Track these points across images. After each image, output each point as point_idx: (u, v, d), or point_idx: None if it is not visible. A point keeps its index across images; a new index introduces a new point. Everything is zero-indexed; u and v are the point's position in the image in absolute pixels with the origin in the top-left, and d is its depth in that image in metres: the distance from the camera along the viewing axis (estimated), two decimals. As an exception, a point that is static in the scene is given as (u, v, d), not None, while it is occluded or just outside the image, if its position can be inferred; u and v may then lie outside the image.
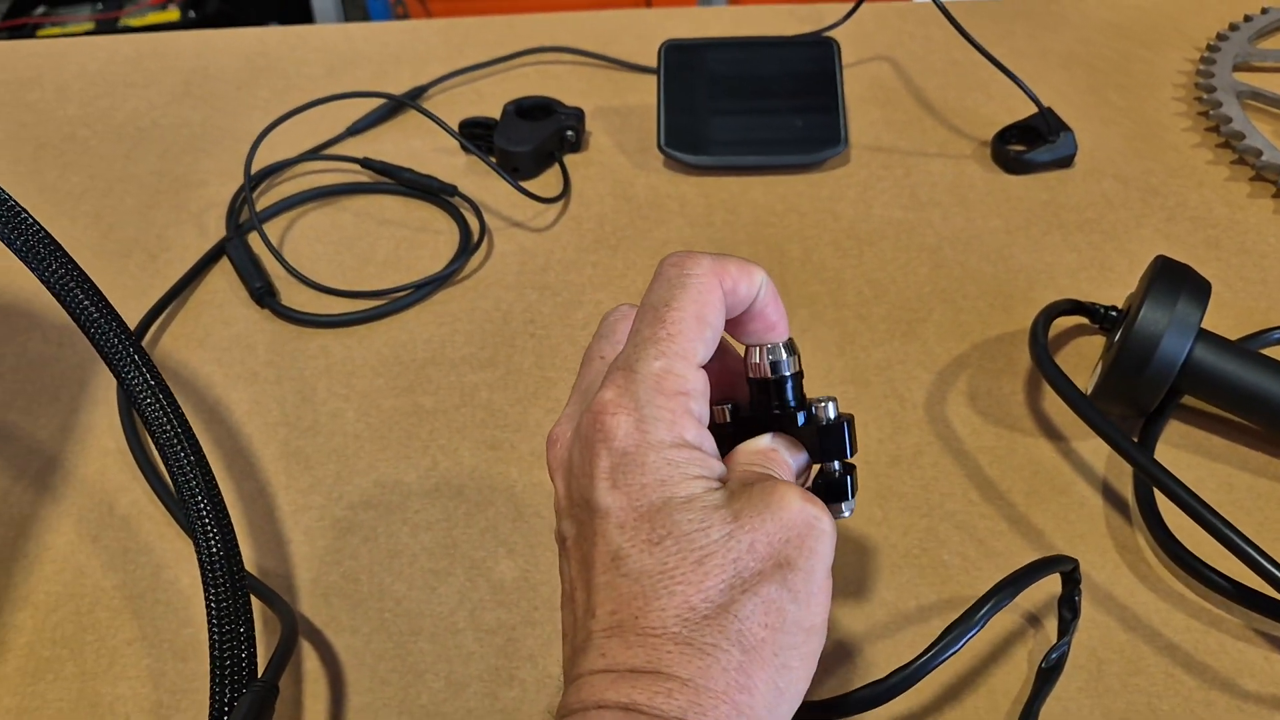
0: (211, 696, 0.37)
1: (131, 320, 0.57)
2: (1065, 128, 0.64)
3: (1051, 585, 0.41)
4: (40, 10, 2.40)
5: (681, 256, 0.31)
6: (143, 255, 0.62)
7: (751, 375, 0.33)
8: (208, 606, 0.38)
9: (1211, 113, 0.66)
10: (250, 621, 0.39)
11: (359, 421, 0.51)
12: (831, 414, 0.33)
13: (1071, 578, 0.40)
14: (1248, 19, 0.74)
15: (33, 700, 0.41)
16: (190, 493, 0.39)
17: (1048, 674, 0.40)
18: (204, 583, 0.39)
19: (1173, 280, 0.47)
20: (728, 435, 0.33)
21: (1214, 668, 0.40)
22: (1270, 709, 0.39)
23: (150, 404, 0.40)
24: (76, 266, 0.39)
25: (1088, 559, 0.44)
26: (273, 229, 0.63)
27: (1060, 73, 0.72)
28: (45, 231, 0.39)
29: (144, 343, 0.56)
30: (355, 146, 0.68)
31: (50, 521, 0.48)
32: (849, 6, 0.75)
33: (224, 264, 0.60)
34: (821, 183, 0.64)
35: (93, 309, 0.40)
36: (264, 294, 0.57)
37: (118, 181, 0.67)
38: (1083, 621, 0.42)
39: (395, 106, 0.70)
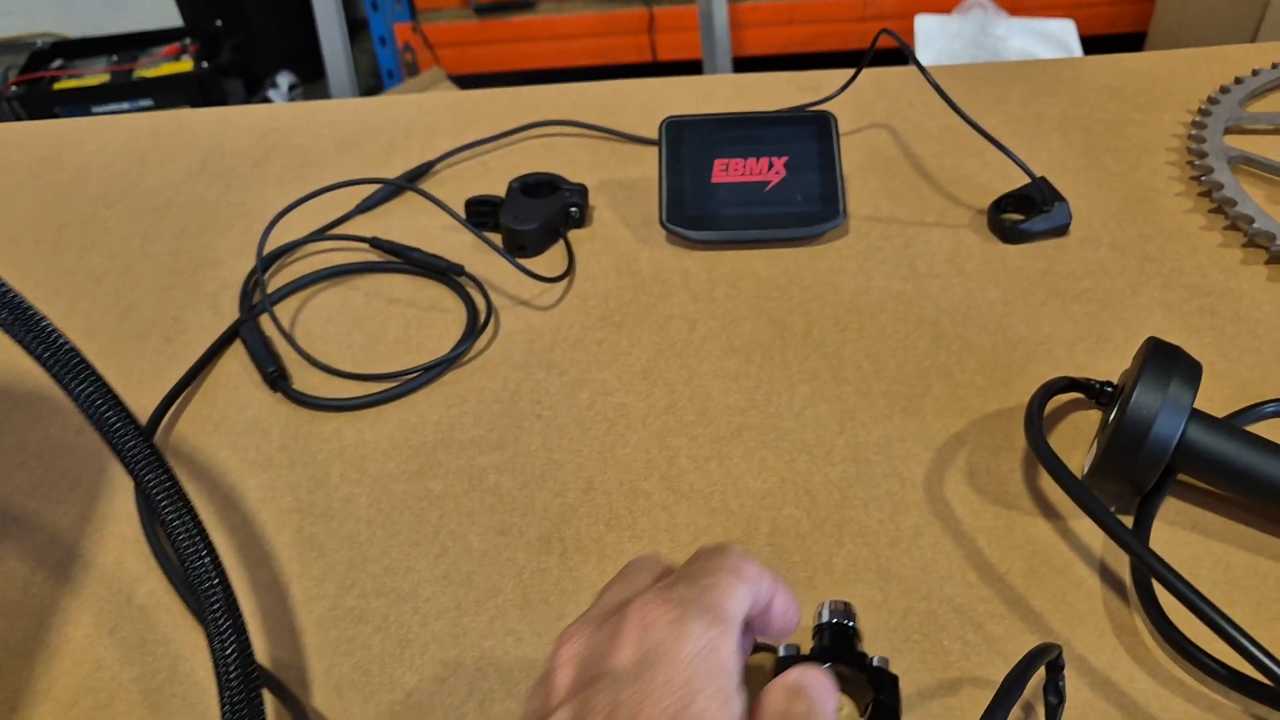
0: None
1: (148, 405, 0.58)
2: (1059, 197, 0.65)
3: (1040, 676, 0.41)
4: (57, 64, 2.45)
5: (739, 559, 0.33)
6: (159, 338, 0.63)
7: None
8: (221, 706, 0.39)
9: (1204, 178, 0.67)
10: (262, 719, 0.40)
11: (371, 507, 0.53)
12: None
13: (1055, 664, 0.41)
14: (1238, 81, 0.75)
15: (55, 797, 0.42)
16: (206, 594, 0.41)
17: (1046, 762, 0.41)
18: (218, 682, 0.40)
19: (1164, 363, 0.47)
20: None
21: (1212, 753, 0.41)
22: (1268, 796, 0.40)
23: (169, 510, 0.41)
24: (98, 379, 0.41)
25: (1085, 641, 0.45)
26: (285, 309, 0.64)
27: (1055, 136, 0.73)
28: (72, 348, 0.40)
29: (159, 428, 0.57)
30: (364, 224, 0.70)
31: (70, 613, 0.49)
32: (847, 75, 0.76)
33: (238, 347, 0.62)
34: (822, 255, 0.65)
35: (113, 417, 0.41)
36: (277, 378, 0.59)
37: (136, 261, 0.69)
38: (1080, 705, 0.42)
39: (409, 180, 0.72)
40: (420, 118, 0.79)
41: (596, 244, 0.67)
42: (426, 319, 0.63)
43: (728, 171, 0.66)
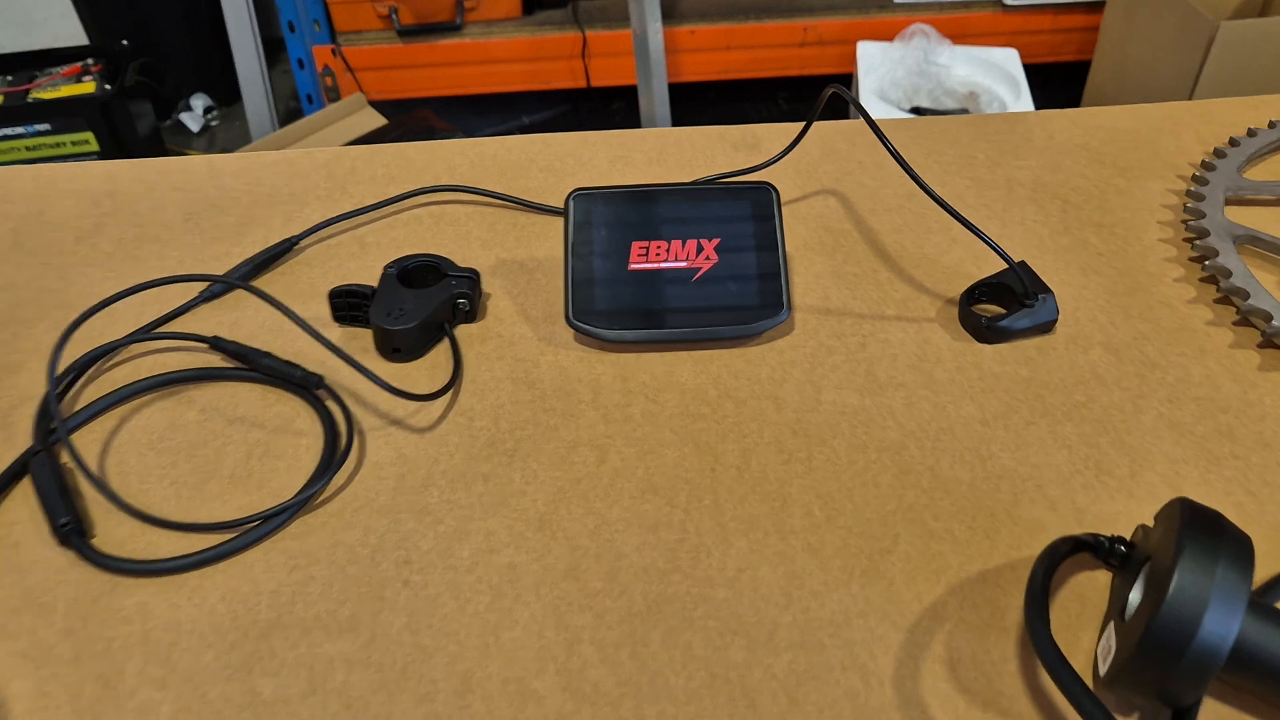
0: None
1: (-102, 574, 0.45)
2: (1044, 288, 0.54)
3: None
4: (-59, 85, 2.27)
5: None
6: (-69, 471, 0.50)
7: None
8: None
9: (1207, 262, 0.57)
10: None
11: (178, 708, 0.40)
12: None
13: None
14: (1234, 143, 0.65)
15: None
16: None
17: None
18: None
19: (1207, 539, 0.37)
20: None
21: None
22: None
23: None
24: None
25: None
26: (96, 432, 0.51)
27: (1030, 207, 0.63)
28: None
29: (-90, 606, 0.44)
30: (207, 318, 0.57)
31: None
32: (788, 130, 0.65)
33: (27, 485, 0.49)
34: (761, 359, 0.54)
35: None
36: (70, 532, 0.46)
37: (-84, 367, 0.55)
38: None
39: (264, 262, 0.59)
40: (288, 180, 0.66)
41: (489, 345, 0.55)
42: (274, 445, 0.51)
43: (647, 256, 0.55)
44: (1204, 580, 0.36)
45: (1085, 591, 0.43)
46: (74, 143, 2.28)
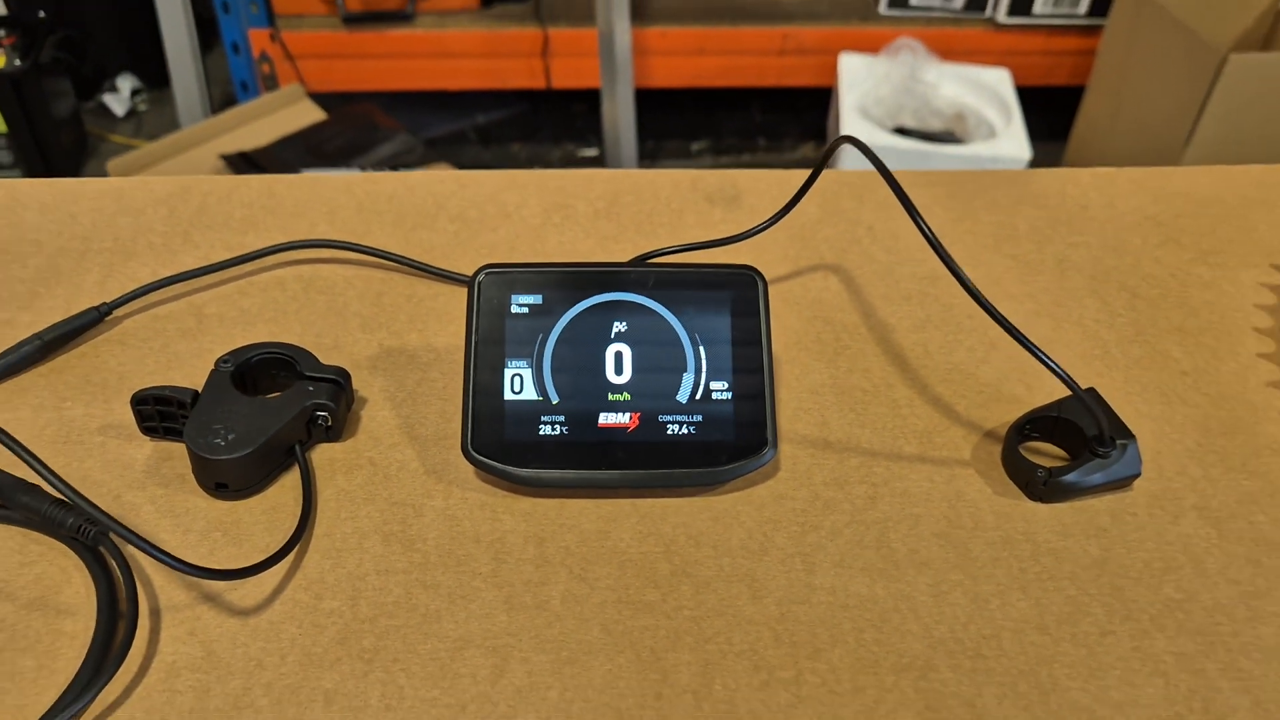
0: None
1: None
2: (1125, 432, 0.40)
3: None
4: None
5: None
6: None
7: None
8: None
9: (1332, 396, 0.43)
10: None
11: None
12: None
13: None
14: (1348, 227, 0.51)
15: None
16: None
17: None
18: None
19: None
20: None
21: None
22: None
23: None
24: None
25: None
26: None
27: (1091, 302, 0.48)
28: None
29: None
30: (-34, 419, 0.41)
31: None
32: (778, 178, 0.50)
33: None
34: (734, 517, 0.39)
35: None
36: None
37: None
38: None
39: (59, 338, 0.43)
40: (115, 217, 0.50)
41: (356, 478, 0.39)
42: (25, 629, 0.35)
43: (577, 363, 0.39)
44: None
45: None
46: (-23, 123, 2.09)
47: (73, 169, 2.09)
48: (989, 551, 0.38)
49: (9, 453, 0.36)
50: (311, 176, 0.52)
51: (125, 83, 2.41)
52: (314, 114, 1.96)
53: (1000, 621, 0.36)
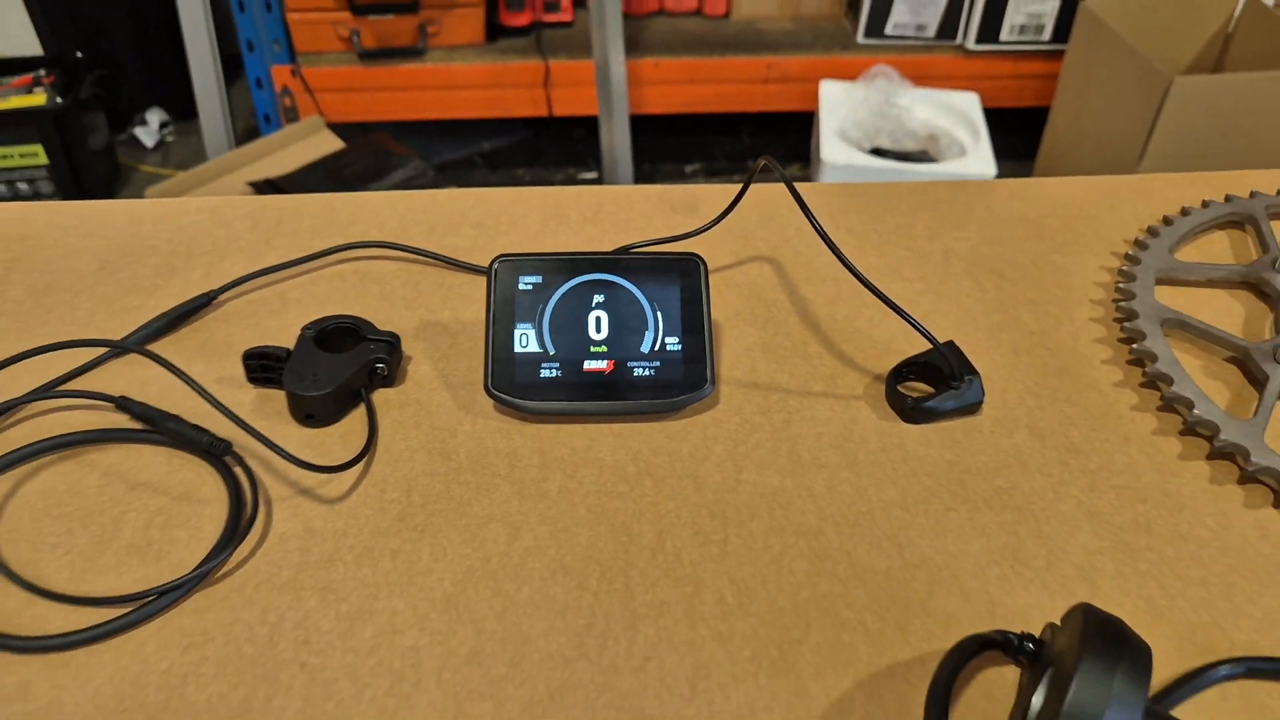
0: None
1: None
2: (971, 370, 0.54)
3: None
4: (-115, 93, 2.22)
5: None
6: None
7: None
8: None
9: (1135, 346, 0.57)
10: None
11: (46, 816, 0.38)
12: None
13: None
14: (1167, 222, 0.65)
15: None
16: None
17: None
18: None
19: (1107, 648, 0.36)
20: None
21: None
22: None
23: None
24: None
25: None
26: (-9, 495, 0.50)
27: (966, 281, 0.63)
28: None
29: None
30: (117, 374, 0.56)
31: None
32: (730, 190, 0.65)
33: (-87, 552, 0.47)
34: (684, 434, 0.53)
35: None
36: (-48, 606, 0.44)
37: None
38: None
39: (179, 317, 0.58)
40: (211, 229, 0.65)
41: (406, 412, 0.54)
42: (176, 514, 0.49)
43: (571, 325, 0.54)
44: (1102, 694, 0.35)
45: (994, 688, 0.43)
46: (22, 154, 2.25)
47: (107, 197, 2.24)
48: (870, 457, 0.52)
49: (153, 393, 0.50)
50: (360, 195, 0.66)
51: (154, 116, 2.57)
52: (333, 143, 2.11)
53: (874, 503, 0.50)
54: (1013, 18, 2.18)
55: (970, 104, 2.10)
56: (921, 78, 2.17)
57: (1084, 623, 0.37)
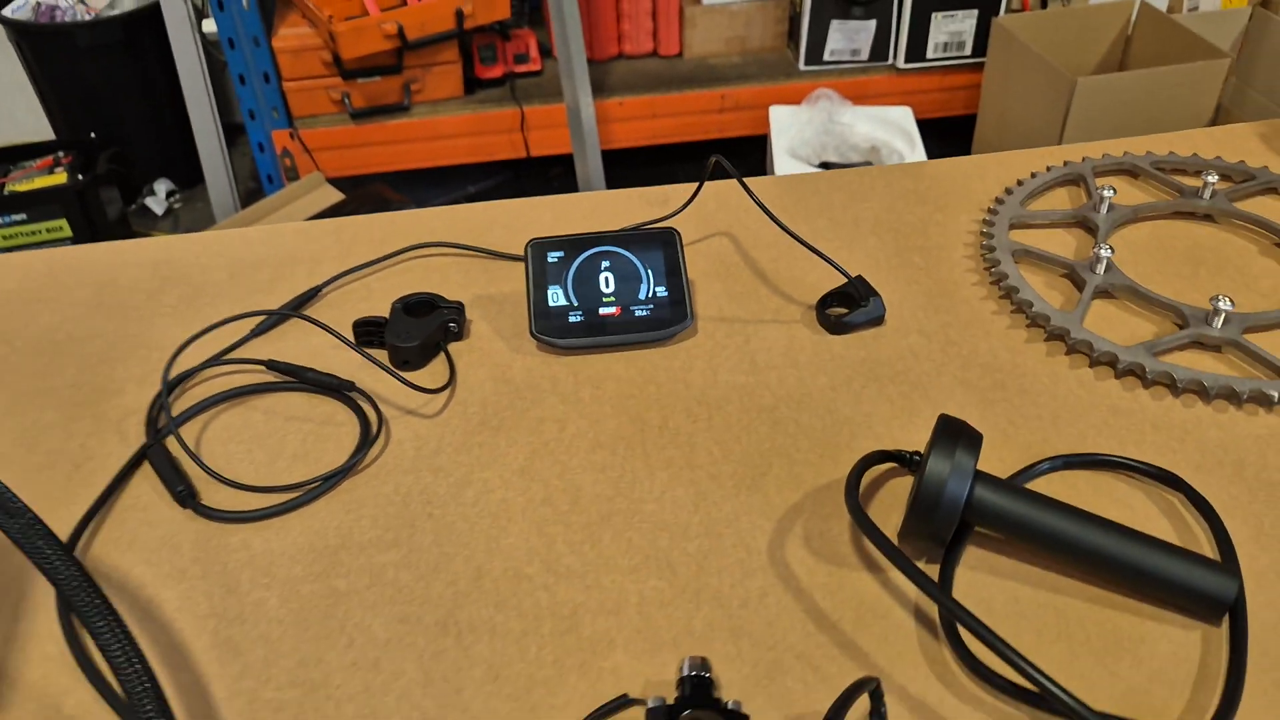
0: None
1: (63, 530, 0.63)
2: (874, 293, 0.76)
3: (864, 702, 0.50)
4: (-78, 180, 2.42)
5: None
6: (67, 465, 0.68)
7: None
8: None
9: (993, 270, 0.79)
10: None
11: (281, 607, 0.59)
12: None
13: (875, 693, 0.50)
14: (1020, 184, 0.88)
15: None
16: (140, 698, 0.46)
17: (872, 779, 0.49)
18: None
19: (951, 436, 0.57)
20: None
21: (1003, 759, 0.50)
22: (1046, 789, 0.49)
23: (100, 626, 0.46)
24: (27, 511, 0.46)
25: (904, 673, 0.54)
26: (189, 431, 0.70)
27: (871, 238, 0.85)
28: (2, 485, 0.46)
29: (76, 550, 0.62)
30: (259, 348, 0.76)
31: (3, 728, 0.54)
32: (690, 189, 0.87)
33: (146, 469, 0.67)
34: (674, 355, 0.74)
35: (43, 545, 0.46)
36: (186, 497, 0.64)
37: (38, 395, 0.73)
38: (899, 730, 0.51)
39: (296, 305, 0.79)
40: (306, 245, 0.86)
41: (474, 355, 0.75)
42: (322, 433, 0.70)
43: (588, 283, 0.75)
44: (945, 463, 0.56)
45: (896, 490, 0.64)
46: (49, 230, 2.44)
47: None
48: (807, 358, 0.74)
49: (288, 356, 0.71)
50: (415, 211, 0.88)
51: (161, 186, 2.78)
52: (334, 195, 2.32)
53: (810, 387, 0.71)
54: (936, 37, 2.43)
55: (905, 117, 2.33)
56: (859, 97, 2.41)
57: (938, 423, 0.59)
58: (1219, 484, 0.63)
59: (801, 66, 2.50)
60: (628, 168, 2.63)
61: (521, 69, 2.55)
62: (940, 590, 0.53)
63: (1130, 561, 0.56)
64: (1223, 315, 0.72)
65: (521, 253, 0.83)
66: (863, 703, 0.51)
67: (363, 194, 2.35)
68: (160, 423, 0.70)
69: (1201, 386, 0.68)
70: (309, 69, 2.39)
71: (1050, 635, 0.55)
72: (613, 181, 2.51)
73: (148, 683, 0.46)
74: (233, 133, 2.70)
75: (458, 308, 0.76)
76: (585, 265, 0.76)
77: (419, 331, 0.74)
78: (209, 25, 2.49)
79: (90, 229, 2.46)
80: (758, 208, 0.86)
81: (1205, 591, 0.55)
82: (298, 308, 0.79)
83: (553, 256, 0.76)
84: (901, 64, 2.46)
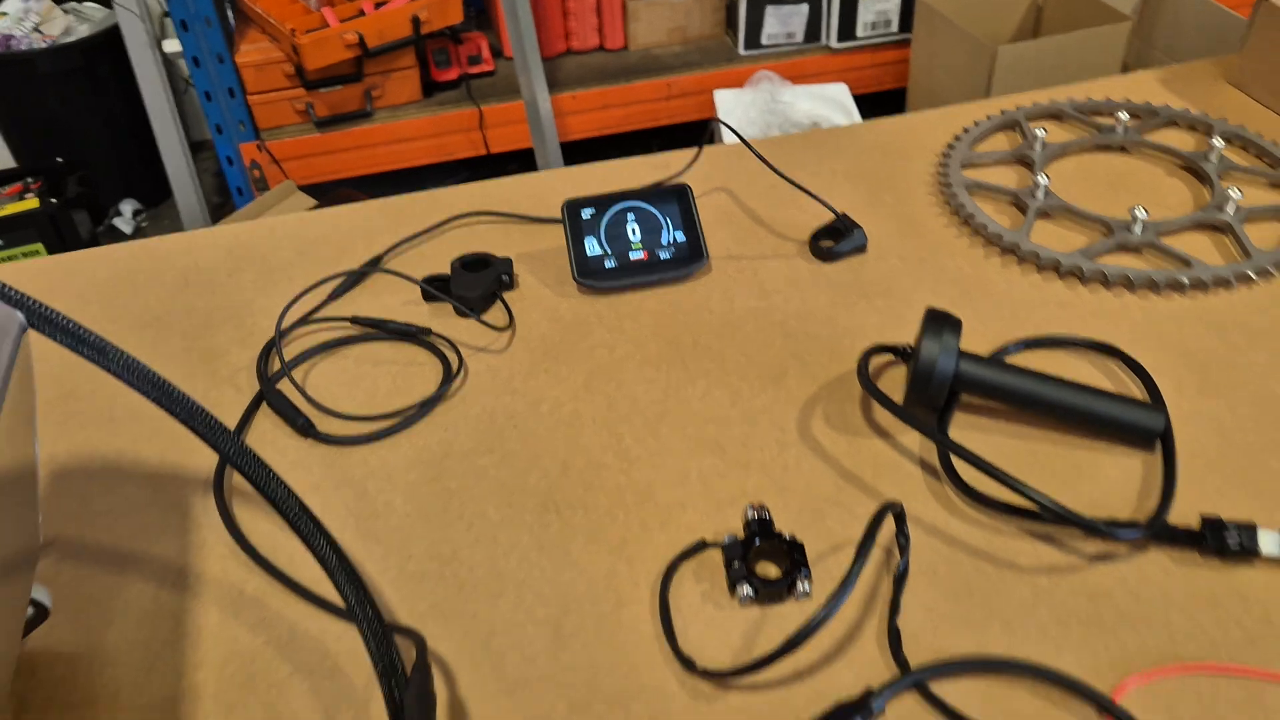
0: (384, 683, 0.56)
1: (207, 466, 0.75)
2: (856, 225, 0.90)
3: (891, 527, 0.65)
4: (-103, 214, 2.47)
5: None
6: (195, 415, 0.80)
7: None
8: (365, 641, 0.57)
9: (951, 202, 0.94)
10: (392, 638, 0.58)
11: (407, 505, 0.72)
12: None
13: (900, 517, 0.64)
14: (966, 130, 1.03)
15: (238, 722, 0.59)
16: (331, 568, 0.59)
17: (900, 579, 0.64)
18: (357, 619, 0.58)
19: (937, 322, 0.72)
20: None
21: (1001, 557, 0.65)
22: (1035, 575, 0.64)
23: (291, 510, 0.59)
24: (221, 426, 0.59)
25: (916, 506, 0.68)
26: (294, 378, 0.83)
27: (846, 185, 0.99)
28: (193, 402, 0.58)
29: (223, 481, 0.74)
30: (338, 309, 0.89)
31: (198, 610, 0.66)
32: (687, 155, 1.01)
33: (265, 411, 0.80)
34: (695, 289, 0.88)
35: (237, 453, 0.59)
36: (307, 427, 0.77)
37: (154, 362, 0.85)
38: (918, 543, 0.66)
39: (361, 275, 0.91)
40: (362, 222, 0.99)
41: (526, 302, 0.88)
42: (408, 373, 0.83)
43: (618, 233, 0.89)
44: (935, 344, 0.71)
45: (893, 377, 0.79)
46: (24, 254, 2.51)
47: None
48: (805, 282, 0.88)
49: (368, 312, 0.84)
50: (455, 188, 1.01)
51: (127, 206, 2.85)
52: (306, 202, 2.42)
53: (811, 305, 0.86)
54: (864, 16, 2.59)
55: (842, 93, 2.50)
56: (798, 76, 2.57)
57: (926, 314, 0.73)
58: (1147, 351, 0.79)
59: (741, 51, 2.66)
60: (585, 157, 2.72)
61: (475, 70, 2.67)
62: (940, 432, 0.68)
63: (1084, 408, 0.71)
64: (1140, 223, 0.88)
65: (549, 216, 0.96)
66: (889, 528, 0.66)
67: (334, 199, 2.45)
68: (271, 371, 0.83)
69: (1128, 280, 0.84)
70: (272, 82, 2.48)
71: (1024, 470, 0.71)
72: (571, 171, 2.63)
73: (335, 555, 0.59)
74: (195, 149, 2.78)
75: (507, 262, 0.89)
76: (614, 219, 0.89)
77: (478, 284, 0.87)
78: (169, 45, 2.58)
79: (65, 251, 2.52)
80: (748, 168, 1.01)
81: (1142, 425, 0.70)
82: (362, 275, 0.91)
83: (585, 213, 0.89)
84: (834, 44, 2.62)
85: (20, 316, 0.59)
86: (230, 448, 0.57)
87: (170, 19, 2.44)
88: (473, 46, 2.64)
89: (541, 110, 2.45)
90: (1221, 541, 0.63)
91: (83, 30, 2.73)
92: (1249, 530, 0.63)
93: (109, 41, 2.64)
